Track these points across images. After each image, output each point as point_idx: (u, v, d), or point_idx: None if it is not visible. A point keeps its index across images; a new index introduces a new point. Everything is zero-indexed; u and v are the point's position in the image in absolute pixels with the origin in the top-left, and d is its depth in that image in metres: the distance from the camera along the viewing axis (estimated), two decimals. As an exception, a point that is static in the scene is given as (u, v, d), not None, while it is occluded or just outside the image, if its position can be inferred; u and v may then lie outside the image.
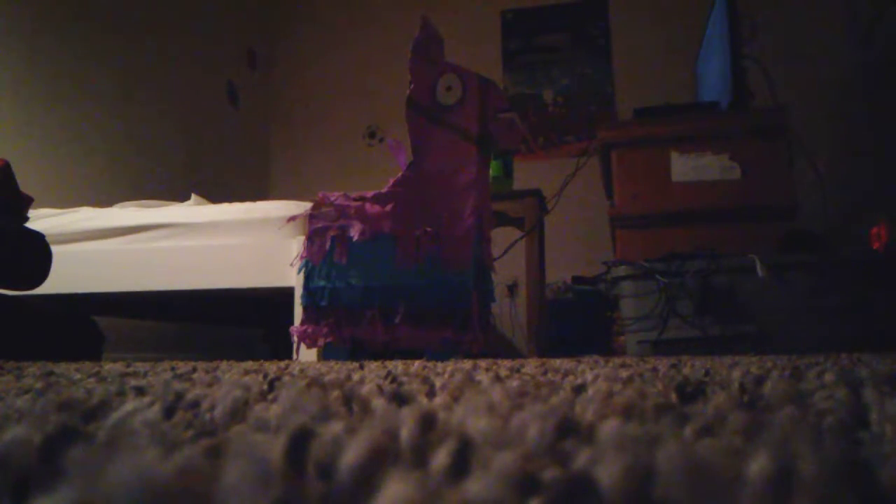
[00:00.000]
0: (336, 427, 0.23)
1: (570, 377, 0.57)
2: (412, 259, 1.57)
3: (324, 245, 1.61)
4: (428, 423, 0.24)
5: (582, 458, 0.19)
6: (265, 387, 0.47)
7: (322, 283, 1.60)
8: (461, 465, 0.19)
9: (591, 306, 2.88)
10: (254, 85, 4.36)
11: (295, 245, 1.80)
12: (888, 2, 2.83)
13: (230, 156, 4.08)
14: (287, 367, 0.91)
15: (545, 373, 0.67)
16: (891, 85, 2.88)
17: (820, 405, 0.34)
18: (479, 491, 0.16)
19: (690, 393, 0.40)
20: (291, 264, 1.76)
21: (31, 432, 0.23)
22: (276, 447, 0.20)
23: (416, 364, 0.99)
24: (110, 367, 0.89)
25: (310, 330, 1.60)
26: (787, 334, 1.79)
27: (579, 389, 0.43)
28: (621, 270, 1.96)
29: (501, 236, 2.34)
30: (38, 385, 0.50)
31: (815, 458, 0.18)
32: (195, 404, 0.35)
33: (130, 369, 0.82)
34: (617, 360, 1.11)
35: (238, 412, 0.33)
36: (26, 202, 1.62)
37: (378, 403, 0.35)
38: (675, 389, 0.41)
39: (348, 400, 0.35)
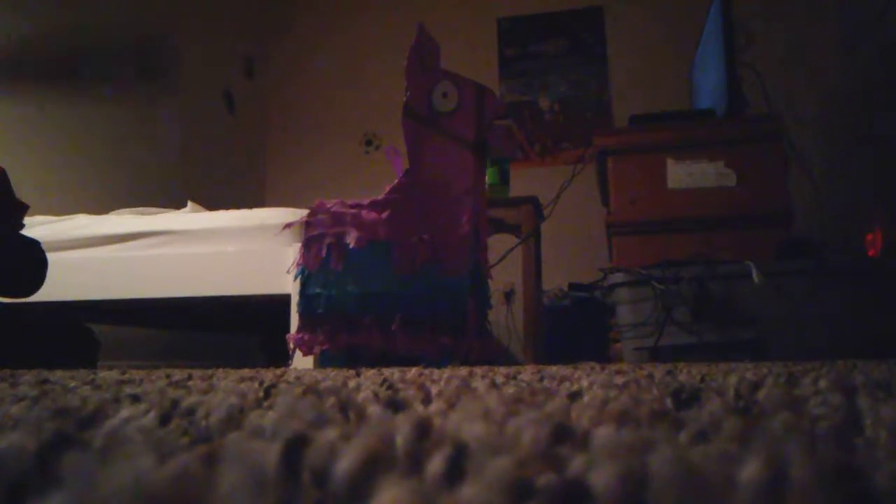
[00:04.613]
0: (331, 434, 0.23)
1: (566, 384, 0.57)
2: (409, 266, 1.57)
3: (320, 252, 1.61)
4: (423, 429, 0.24)
5: (576, 465, 0.20)
6: (261, 394, 0.47)
7: (318, 290, 1.60)
8: (456, 471, 0.19)
9: (588, 313, 2.88)
10: (251, 93, 4.36)
11: (291, 252, 1.80)
12: (881, 9, 2.85)
13: (227, 163, 4.08)
14: (283, 374, 0.91)
15: (541, 379, 0.67)
16: (885, 92, 2.89)
17: (814, 411, 0.34)
18: (473, 496, 0.16)
19: (686, 399, 0.40)
20: (288, 271, 1.76)
21: (27, 439, 0.23)
22: (271, 454, 0.20)
23: (413, 371, 0.99)
24: (106, 375, 0.89)
25: (306, 337, 1.60)
26: (784, 341, 1.80)
27: (575, 396, 0.44)
28: (618, 277, 1.96)
29: (498, 243, 2.34)
30: (34, 392, 0.50)
31: (808, 463, 0.18)
32: (191, 411, 0.35)
33: (126, 376, 0.82)
34: (613, 367, 1.11)
35: (234, 419, 0.33)
36: (22, 210, 1.61)
37: (374, 410, 0.35)
38: (670, 396, 0.41)
39: (344, 407, 0.36)
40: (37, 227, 2.05)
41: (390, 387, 0.55)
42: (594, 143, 2.36)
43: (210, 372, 1.00)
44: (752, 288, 1.79)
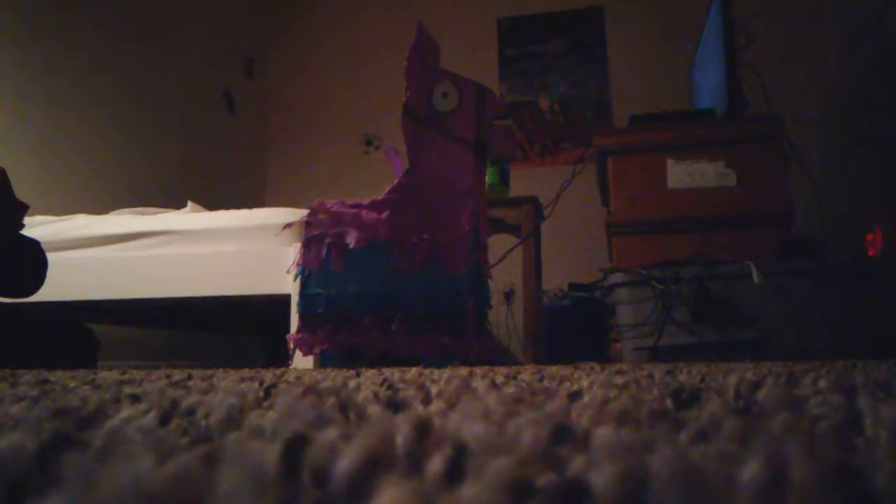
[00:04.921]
0: (331, 434, 0.23)
1: (566, 384, 0.57)
2: (409, 266, 1.57)
3: (320, 252, 1.61)
4: (423, 429, 0.24)
5: (576, 464, 0.20)
6: (261, 394, 0.47)
7: (318, 290, 1.60)
8: (456, 471, 0.19)
9: (588, 313, 2.88)
10: (251, 93, 4.36)
11: (291, 252, 1.80)
12: (881, 9, 2.85)
13: (227, 163, 4.08)
14: (283, 374, 0.91)
15: (541, 379, 0.67)
16: (885, 92, 2.89)
17: (814, 411, 0.34)
18: (473, 496, 0.16)
19: (686, 399, 0.40)
20: (288, 271, 1.76)
21: (27, 439, 0.23)
22: (271, 454, 0.20)
23: (413, 371, 0.99)
24: (106, 375, 0.89)
25: (306, 337, 1.60)
26: (784, 341, 1.80)
27: (575, 396, 0.44)
28: (618, 277, 1.96)
29: (498, 243, 2.34)
30: (34, 392, 0.50)
31: (808, 463, 0.18)
32: (191, 411, 0.35)
33: (126, 377, 0.82)
34: (613, 367, 1.11)
35: (234, 419, 0.33)
36: (22, 210, 1.61)
37: (374, 410, 0.35)
38: (670, 396, 0.41)
39: (344, 407, 0.36)
40: (37, 227, 2.05)
41: (390, 387, 0.55)
42: (594, 143, 2.36)
43: (210, 372, 1.00)
44: (752, 288, 1.79)
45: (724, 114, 2.26)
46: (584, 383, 0.56)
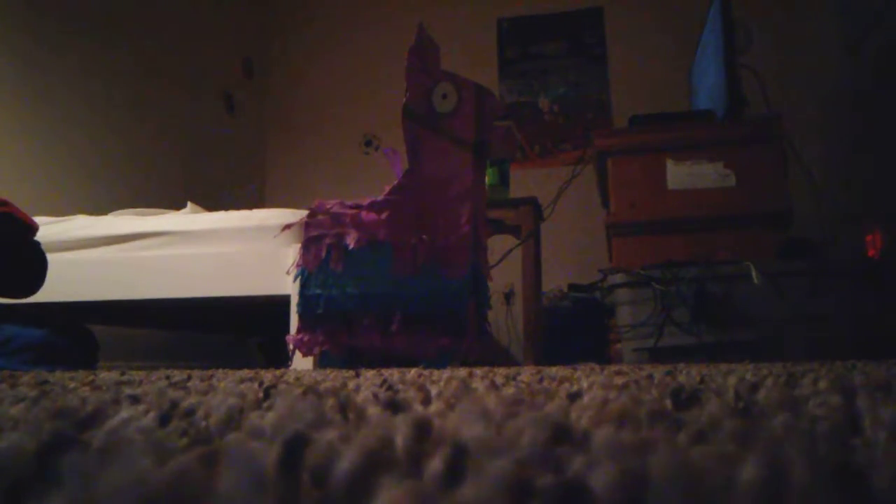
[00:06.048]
0: (331, 434, 0.23)
1: (566, 385, 0.57)
2: (408, 267, 1.57)
3: (320, 253, 1.61)
4: (423, 430, 0.24)
5: (576, 465, 0.20)
6: (260, 395, 0.47)
7: (318, 290, 1.60)
8: (455, 472, 0.19)
9: (588, 314, 2.88)
10: (250, 93, 4.36)
11: (291, 253, 1.80)
12: (881, 10, 2.85)
13: (226, 164, 4.08)
14: (283, 375, 0.91)
15: (541, 380, 0.67)
16: (884, 92, 2.89)
17: (814, 412, 0.34)
18: (472, 497, 0.16)
19: (685, 400, 0.40)
20: (287, 272, 1.76)
21: (26, 440, 0.23)
22: (270, 455, 0.20)
23: (413, 372, 0.99)
24: (105, 376, 0.89)
25: (306, 338, 1.60)
26: (783, 341, 1.80)
27: (574, 397, 0.44)
28: (617, 278, 1.96)
29: (497, 244, 2.34)
30: (33, 393, 0.50)
31: (807, 464, 0.18)
32: (190, 412, 0.35)
33: (125, 377, 0.82)
34: (613, 368, 1.11)
35: (233, 420, 0.33)
36: (33, 230, 1.60)
37: (373, 411, 0.35)
38: (669, 396, 0.41)
39: (344, 408, 0.36)
40: (36, 227, 2.05)
41: (390, 388, 0.55)
42: (594, 144, 2.36)
43: (209, 373, 1.00)
44: (751, 288, 1.79)
45: (724, 114, 2.27)
46: (584, 384, 0.56)
